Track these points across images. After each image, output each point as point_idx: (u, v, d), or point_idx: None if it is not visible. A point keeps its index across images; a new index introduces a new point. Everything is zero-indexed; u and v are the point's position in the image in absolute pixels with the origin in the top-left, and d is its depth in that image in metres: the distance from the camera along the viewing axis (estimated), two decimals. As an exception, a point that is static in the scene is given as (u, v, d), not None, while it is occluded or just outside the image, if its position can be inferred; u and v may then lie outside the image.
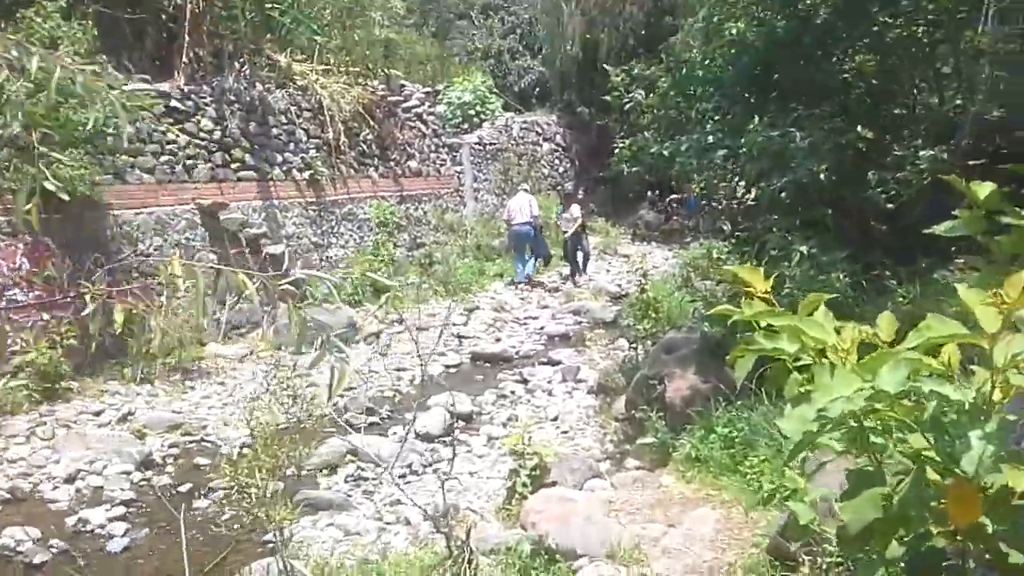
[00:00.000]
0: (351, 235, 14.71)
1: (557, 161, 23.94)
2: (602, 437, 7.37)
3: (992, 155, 7.86)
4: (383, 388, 9.38)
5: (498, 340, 11.55)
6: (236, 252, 11.86)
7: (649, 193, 24.57)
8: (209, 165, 11.80)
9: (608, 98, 8.44)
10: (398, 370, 10.08)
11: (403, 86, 17.58)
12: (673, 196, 23.75)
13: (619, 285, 15.43)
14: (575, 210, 16.03)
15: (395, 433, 7.85)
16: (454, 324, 12.37)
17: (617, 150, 8.83)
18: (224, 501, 6.39)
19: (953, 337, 1.67)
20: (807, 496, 2.68)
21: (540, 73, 26.21)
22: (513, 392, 9.07)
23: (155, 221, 11.09)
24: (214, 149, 11.95)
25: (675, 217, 24.34)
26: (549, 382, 9.35)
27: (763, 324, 2.17)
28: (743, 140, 6.48)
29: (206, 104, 12.05)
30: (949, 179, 2.30)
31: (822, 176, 5.84)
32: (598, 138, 26.32)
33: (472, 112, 21.11)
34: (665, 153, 7.28)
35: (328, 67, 14.91)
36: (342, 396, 9.03)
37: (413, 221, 16.69)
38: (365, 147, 15.42)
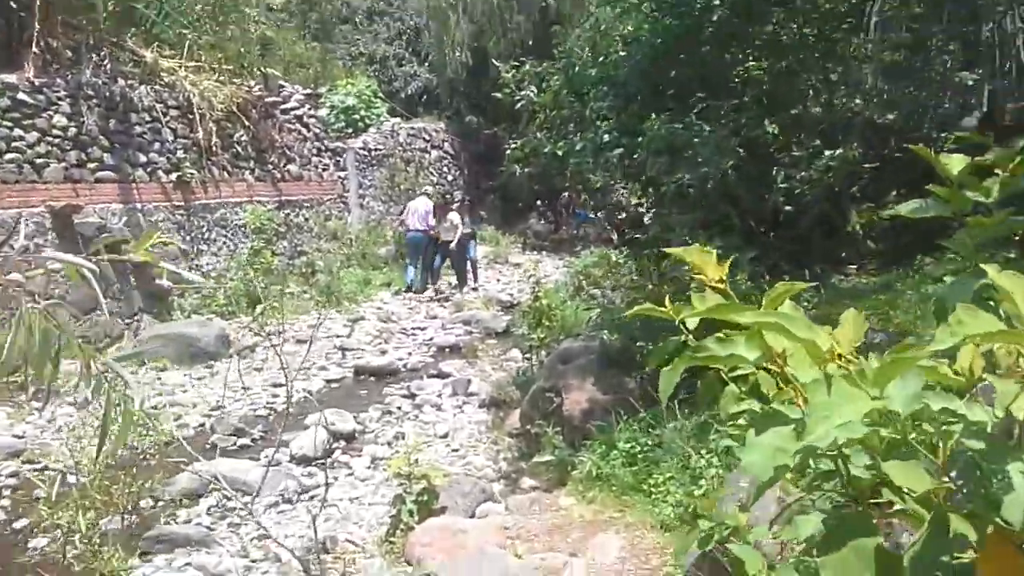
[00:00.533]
0: (224, 242, 13.75)
1: (446, 169, 23.43)
2: (495, 455, 6.85)
3: (884, 158, 7.83)
4: (256, 406, 8.59)
5: (384, 352, 10.90)
6: (96, 260, 10.80)
7: (538, 202, 24.42)
8: (63, 164, 10.70)
9: (499, 95, 7.96)
10: (274, 386, 9.29)
11: (282, 87, 16.72)
12: (562, 196, 23.74)
13: (511, 294, 15.01)
14: (454, 218, 15.23)
15: (267, 456, 7.11)
16: (337, 336, 11.64)
17: (509, 151, 8.41)
18: (66, 541, 5.54)
19: (995, 336, 1.22)
20: (749, 535, 2.24)
21: (427, 80, 25.66)
22: (400, 408, 8.45)
23: (-2, 225, 9.95)
24: (68, 147, 10.86)
25: (563, 227, 24.25)
26: (438, 396, 8.78)
27: (690, 324, 1.72)
28: (640, 139, 6.13)
29: (60, 99, 10.95)
30: (917, 149, 1.90)
31: (730, 172, 5.53)
32: (487, 147, 25.99)
33: (356, 117, 20.32)
34: (559, 153, 6.87)
35: (199, 64, 13.95)
36: (208, 416, 8.23)
37: (293, 228, 15.82)
38: (240, 149, 14.49)
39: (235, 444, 7.48)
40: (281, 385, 9.34)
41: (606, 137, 6.36)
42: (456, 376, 9.44)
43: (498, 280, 16.89)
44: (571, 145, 6.56)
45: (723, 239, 5.41)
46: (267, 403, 8.71)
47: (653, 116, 6.26)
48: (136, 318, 11.36)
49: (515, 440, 6.94)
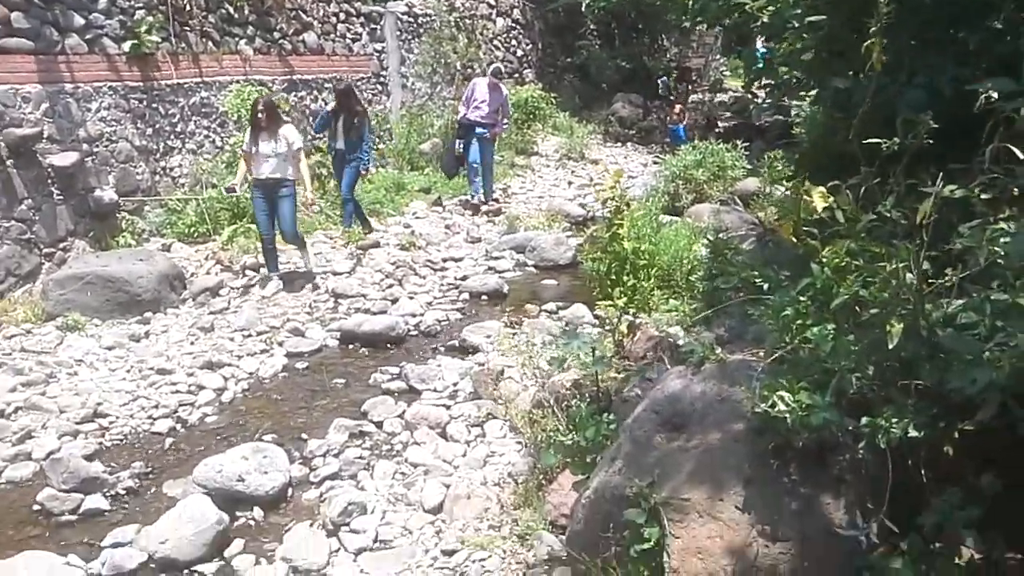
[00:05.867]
0: (207, 135, 10.41)
1: (514, 42, 19.38)
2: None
3: None
4: (160, 410, 5.37)
5: (393, 301, 7.51)
6: None
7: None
8: (-63, 26, 7.39)
9: None
10: (207, 366, 6.03)
11: (296, -71, 12.92)
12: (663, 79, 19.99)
13: (583, 204, 11.36)
14: (290, 136, 7.82)
15: (118, 545, 3.89)
16: (336, 273, 8.29)
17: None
18: None
19: None
20: None
21: (495, -67, 21.30)
22: (381, 426, 5.08)
23: None
24: (-51, 1, 7.52)
25: (654, 112, 20.18)
26: (450, 398, 5.39)
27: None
28: None
29: (-64, -71, 7.56)
30: None
31: None
32: (567, 17, 21.79)
33: (402, -26, 16.47)
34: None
35: None
36: (74, 436, 5.04)
37: (309, 116, 12.35)
38: (231, 11, 10.94)
39: (78, 509, 4.26)
40: (220, 366, 6.09)
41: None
42: (486, 351, 6.05)
43: (569, 183, 13.16)
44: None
45: None
46: (179, 404, 5.46)
47: None
48: (62, 245, 8.21)
49: (562, 540, 3.50)
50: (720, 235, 7.45)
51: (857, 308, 2.68)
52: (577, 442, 3.45)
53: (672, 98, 20.66)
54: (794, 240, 2.97)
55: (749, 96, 14.97)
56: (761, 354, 3.05)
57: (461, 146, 11.38)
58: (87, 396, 5.47)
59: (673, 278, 6.82)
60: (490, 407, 5.09)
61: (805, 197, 2.87)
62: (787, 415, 2.45)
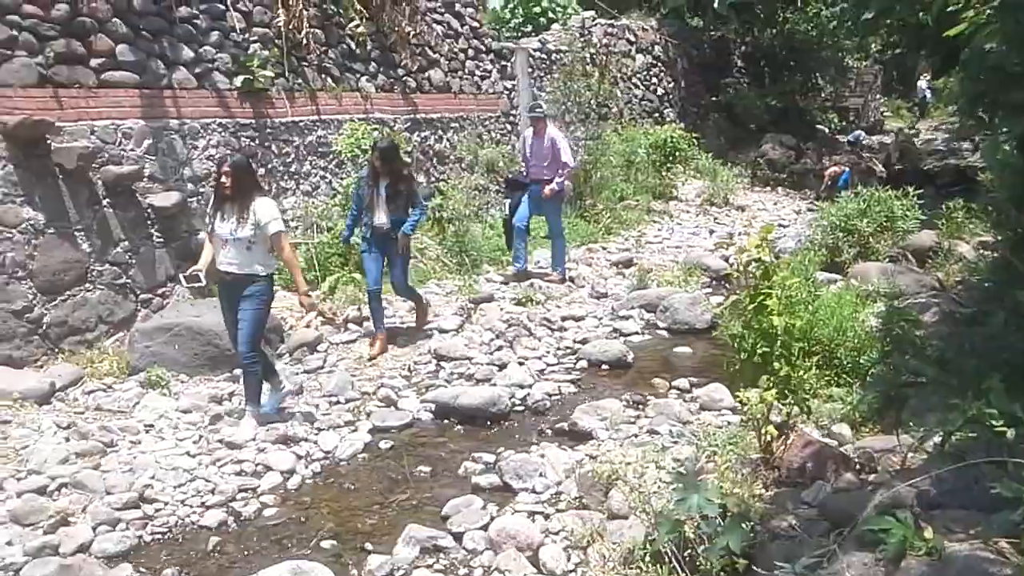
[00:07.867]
0: (323, 176, 9.90)
1: (655, 80, 18.36)
2: None
3: None
4: (213, 498, 4.60)
5: (501, 367, 6.55)
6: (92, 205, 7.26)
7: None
8: (36, 60, 7.04)
9: None
10: (282, 441, 5.25)
11: (427, -36, 12.47)
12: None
13: (725, 257, 10.13)
14: (265, 213, 5.43)
15: None
16: (441, 331, 7.45)
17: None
18: None
19: None
20: None
21: (638, -31, 20.52)
22: (460, 539, 4.09)
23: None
24: (50, 34, 7.15)
25: (808, 154, 18.55)
26: (550, 504, 4.34)
27: None
28: None
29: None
30: None
31: None
32: (713, 53, 20.67)
33: (538, 10, 15.87)
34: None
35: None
36: (114, 525, 4.33)
37: (432, 157, 11.75)
38: (353, 46, 10.48)
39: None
40: (300, 440, 5.29)
41: None
42: (597, 440, 4.99)
43: (710, 232, 11.93)
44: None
45: None
46: (238, 490, 4.68)
47: None
48: (161, 291, 7.77)
49: None
50: (894, 303, 6.18)
51: None
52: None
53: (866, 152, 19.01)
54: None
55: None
56: (1003, 545, 1.88)
57: (508, 207, 9.57)
58: (140, 473, 4.78)
59: (836, 355, 5.60)
60: (597, 523, 4.01)
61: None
62: None
